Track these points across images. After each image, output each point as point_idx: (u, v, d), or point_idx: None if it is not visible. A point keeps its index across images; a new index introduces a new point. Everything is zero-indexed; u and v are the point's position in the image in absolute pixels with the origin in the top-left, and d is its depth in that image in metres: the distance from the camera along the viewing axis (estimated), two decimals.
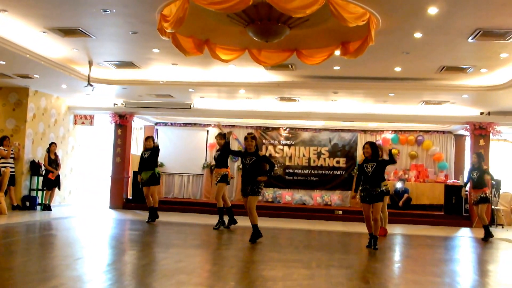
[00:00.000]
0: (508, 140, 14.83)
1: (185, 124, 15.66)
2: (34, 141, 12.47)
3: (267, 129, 15.29)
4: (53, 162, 12.30)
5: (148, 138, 10.49)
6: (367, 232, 7.86)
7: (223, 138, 9.43)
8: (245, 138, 8.02)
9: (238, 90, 11.63)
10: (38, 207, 12.19)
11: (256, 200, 7.86)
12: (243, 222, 9.39)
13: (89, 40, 8.48)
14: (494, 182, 12.74)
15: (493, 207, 12.55)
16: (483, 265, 7.30)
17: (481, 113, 12.83)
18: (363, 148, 7.88)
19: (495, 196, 12.57)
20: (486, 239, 9.50)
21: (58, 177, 12.36)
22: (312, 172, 14.93)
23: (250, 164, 7.77)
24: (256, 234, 7.79)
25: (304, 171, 14.96)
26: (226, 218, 9.67)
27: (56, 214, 11.42)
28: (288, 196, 14.72)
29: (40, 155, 12.57)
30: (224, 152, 9.47)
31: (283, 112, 13.82)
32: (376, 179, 7.64)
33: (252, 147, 7.85)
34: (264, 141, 15.23)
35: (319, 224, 11.71)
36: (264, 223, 11.06)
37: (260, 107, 13.56)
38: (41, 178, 12.37)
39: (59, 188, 12.57)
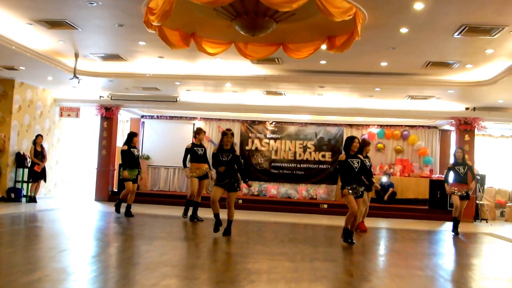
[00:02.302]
0: (492, 135, 15.00)
1: (172, 117, 15.62)
2: (20, 133, 12.36)
3: (253, 122, 15.31)
4: (39, 154, 12.20)
5: (137, 135, 10.32)
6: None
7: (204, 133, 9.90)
8: (225, 134, 7.78)
9: (225, 84, 11.62)
10: (24, 199, 12.10)
11: (236, 195, 7.81)
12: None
13: (75, 32, 8.41)
14: (479, 177, 12.90)
15: (477, 202, 12.71)
16: (467, 259, 7.40)
17: (467, 109, 12.99)
18: (353, 141, 7.52)
19: (479, 191, 12.74)
20: (457, 233, 9.49)
21: (44, 169, 12.27)
22: (298, 166, 15.00)
23: (228, 161, 7.68)
24: (229, 229, 7.79)
25: (290, 165, 15.02)
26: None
27: (41, 206, 11.34)
28: (274, 189, 14.77)
29: (25, 147, 12.47)
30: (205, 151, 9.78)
31: (269, 106, 13.86)
32: (360, 176, 7.66)
33: (229, 144, 7.79)
34: (250, 134, 15.25)
35: (304, 217, 11.77)
36: (249, 216, 11.13)
37: (246, 100, 13.57)
38: (26, 170, 12.27)
39: (45, 180, 12.47)
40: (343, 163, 7.52)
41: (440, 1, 6.33)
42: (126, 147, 9.88)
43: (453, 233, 9.52)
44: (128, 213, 9.84)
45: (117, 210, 9.98)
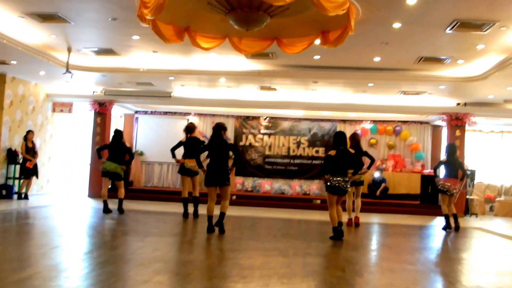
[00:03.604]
0: (483, 130, 15.10)
1: (166, 113, 15.58)
2: (11, 128, 12.27)
3: (247, 118, 15.30)
4: (31, 150, 12.12)
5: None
6: (344, 221, 7.93)
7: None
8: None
9: (219, 79, 11.60)
10: (15, 196, 12.02)
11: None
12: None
13: (68, 26, 8.33)
14: (469, 172, 13.00)
15: (467, 197, 12.82)
16: (457, 253, 7.46)
17: (458, 104, 13.06)
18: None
19: (469, 186, 12.84)
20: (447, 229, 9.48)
21: (35, 165, 12.19)
22: (292, 161, 15.02)
23: None
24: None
25: (284, 161, 15.04)
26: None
27: (33, 203, 11.28)
28: (267, 185, 14.79)
29: (17, 143, 12.38)
30: None
31: (263, 101, 13.83)
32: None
33: None
34: (244, 130, 15.25)
35: (297, 213, 11.80)
36: (243, 212, 11.15)
37: (240, 96, 13.56)
38: (18, 167, 12.19)
39: (37, 177, 12.40)
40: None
41: None
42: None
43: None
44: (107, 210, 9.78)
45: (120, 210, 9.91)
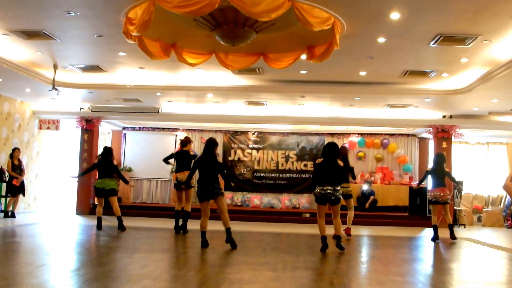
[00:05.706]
0: (469, 142, 15.25)
1: (154, 129, 15.56)
2: None
3: (235, 133, 15.33)
4: (17, 167, 12.00)
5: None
6: (333, 234, 7.93)
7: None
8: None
9: (206, 94, 11.64)
10: (2, 214, 11.87)
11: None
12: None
13: (54, 43, 8.35)
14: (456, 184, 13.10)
15: (455, 207, 12.90)
16: (445, 263, 7.48)
17: (444, 117, 13.21)
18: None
19: (457, 197, 12.94)
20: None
21: (22, 183, 12.07)
22: (281, 175, 15.04)
23: None
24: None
25: (273, 175, 15.06)
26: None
27: (20, 221, 11.14)
28: (257, 199, 14.78)
29: (3, 161, 12.26)
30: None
31: (251, 116, 13.89)
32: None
33: None
34: (232, 145, 15.27)
35: (287, 227, 11.78)
36: (232, 226, 11.05)
37: (228, 111, 13.60)
38: (4, 185, 12.05)
39: (23, 194, 12.26)
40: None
41: (416, 11, 6.46)
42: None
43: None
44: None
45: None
